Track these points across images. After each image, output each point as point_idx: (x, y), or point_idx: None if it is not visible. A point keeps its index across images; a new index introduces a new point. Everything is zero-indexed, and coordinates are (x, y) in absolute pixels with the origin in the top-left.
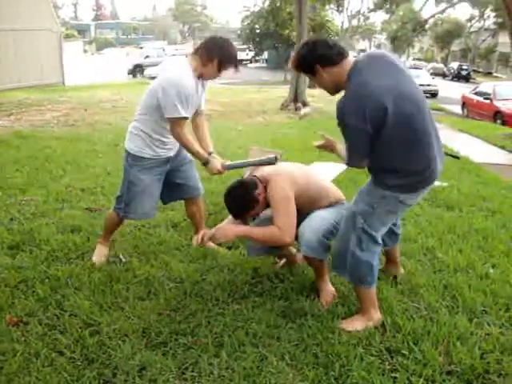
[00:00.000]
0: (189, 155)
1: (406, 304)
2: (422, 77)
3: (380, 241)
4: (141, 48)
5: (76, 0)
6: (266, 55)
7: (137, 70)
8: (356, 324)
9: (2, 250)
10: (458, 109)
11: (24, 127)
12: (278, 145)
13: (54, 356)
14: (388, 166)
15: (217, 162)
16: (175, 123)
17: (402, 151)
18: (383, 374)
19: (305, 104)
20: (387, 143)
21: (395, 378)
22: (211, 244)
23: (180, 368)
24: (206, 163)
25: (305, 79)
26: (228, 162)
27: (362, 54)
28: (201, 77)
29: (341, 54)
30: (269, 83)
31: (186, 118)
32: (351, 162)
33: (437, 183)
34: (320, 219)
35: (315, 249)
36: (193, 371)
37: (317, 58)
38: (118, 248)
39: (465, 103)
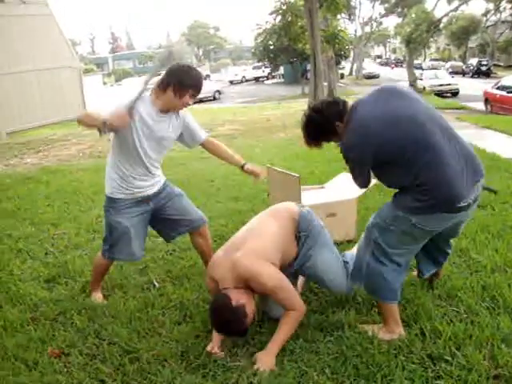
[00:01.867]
0: (176, 189)
1: (444, 308)
2: (440, 77)
3: (401, 262)
4: (158, 75)
5: (93, 35)
6: (281, 70)
7: None
8: (379, 334)
9: (39, 284)
10: (480, 105)
11: (52, 163)
12: (302, 158)
13: None
14: (397, 186)
15: (119, 113)
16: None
17: (403, 173)
18: (427, 382)
19: None
20: (390, 166)
21: None
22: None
23: None
24: (103, 124)
25: (323, 90)
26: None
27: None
28: (166, 110)
29: (344, 102)
30: (287, 98)
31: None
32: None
33: None
34: (329, 263)
35: (359, 276)
36: None
37: (334, 118)
38: (151, 274)
39: (487, 99)
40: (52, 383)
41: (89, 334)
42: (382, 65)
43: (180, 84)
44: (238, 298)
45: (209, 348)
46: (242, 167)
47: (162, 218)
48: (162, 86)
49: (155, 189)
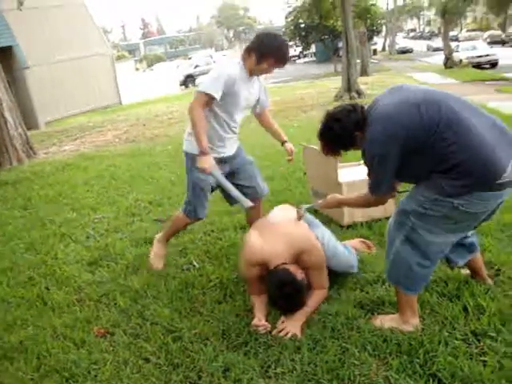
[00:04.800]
0: (248, 157)
1: (487, 284)
2: (478, 48)
3: (433, 256)
4: (189, 59)
5: (123, 22)
6: (313, 49)
7: (188, 80)
8: (390, 323)
9: (82, 267)
10: None
11: (89, 149)
12: None
13: (141, 363)
14: (421, 177)
15: (211, 159)
16: (197, 97)
17: (431, 160)
18: (471, 358)
19: (359, 93)
20: (417, 155)
21: (484, 361)
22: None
23: (263, 367)
24: (201, 153)
25: (355, 67)
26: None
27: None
28: (252, 73)
29: (362, 107)
30: (320, 76)
31: (209, 96)
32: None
33: None
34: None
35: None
36: (276, 369)
37: (354, 127)
38: (190, 254)
39: None
40: (99, 361)
41: (132, 314)
42: (415, 39)
43: (260, 51)
44: (299, 272)
45: (255, 321)
46: (283, 143)
47: (231, 182)
48: (247, 50)
49: (232, 152)
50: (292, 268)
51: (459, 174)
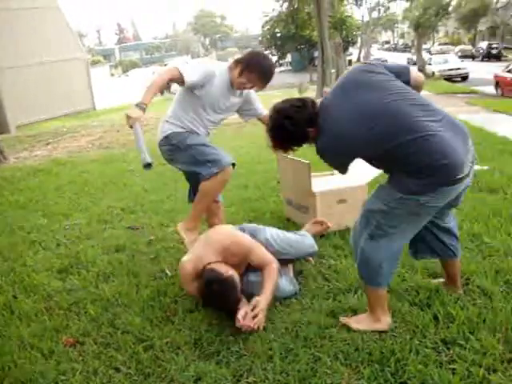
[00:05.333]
0: None
1: (457, 293)
2: (450, 61)
3: (399, 247)
4: (165, 65)
5: (99, 27)
6: (289, 58)
7: None
8: (362, 324)
9: (52, 275)
10: (491, 89)
11: (61, 154)
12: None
13: (111, 373)
14: (395, 169)
15: (141, 114)
16: (170, 68)
17: (392, 165)
18: (441, 366)
19: None
20: (377, 161)
21: (454, 369)
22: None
23: (235, 376)
24: (138, 105)
25: (331, 77)
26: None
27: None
28: (232, 84)
29: (313, 102)
30: (295, 85)
31: (180, 76)
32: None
33: (476, 167)
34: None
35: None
36: (248, 378)
37: (306, 123)
38: (162, 262)
39: (498, 82)
40: (68, 371)
41: (102, 323)
42: (389, 50)
43: (246, 64)
44: (225, 269)
45: (241, 314)
46: None
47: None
48: (235, 62)
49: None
50: (216, 265)
51: (423, 174)
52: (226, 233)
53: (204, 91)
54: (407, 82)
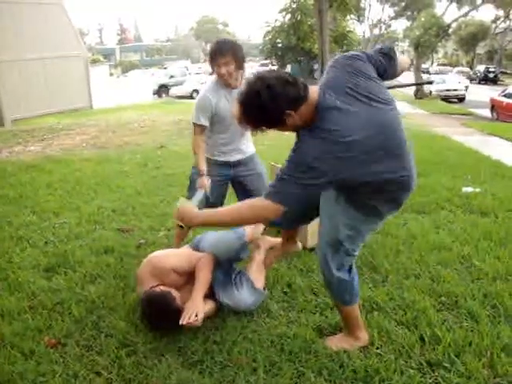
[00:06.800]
0: (259, 168)
1: (444, 315)
2: (448, 82)
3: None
4: (165, 68)
5: (101, 26)
6: (288, 69)
7: (162, 89)
8: (344, 344)
9: (39, 273)
10: (486, 112)
11: (55, 151)
12: None
13: (92, 377)
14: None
15: (207, 181)
16: (193, 128)
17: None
18: None
19: None
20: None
21: None
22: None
23: None
24: (200, 174)
25: None
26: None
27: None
28: (226, 85)
29: (306, 86)
30: None
31: (199, 125)
32: None
33: (469, 189)
34: (213, 235)
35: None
36: None
37: (287, 104)
38: None
39: (494, 106)
40: (48, 373)
41: (86, 325)
42: None
43: (209, 57)
44: (159, 288)
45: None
46: None
47: (241, 188)
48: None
49: (235, 158)
50: (157, 288)
51: (392, 195)
52: (147, 261)
53: (215, 116)
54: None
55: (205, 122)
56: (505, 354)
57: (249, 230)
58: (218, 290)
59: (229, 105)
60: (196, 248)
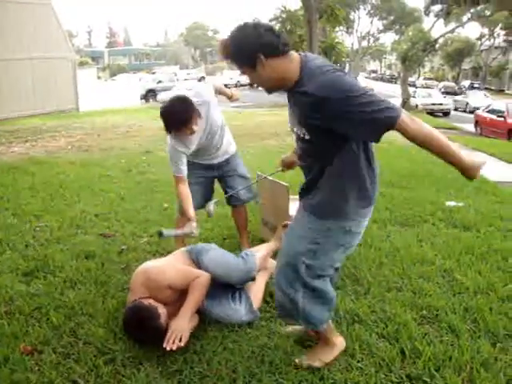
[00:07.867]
0: (236, 169)
1: (425, 328)
2: (433, 96)
3: (329, 274)
4: (153, 73)
5: (90, 28)
6: None
7: (149, 94)
8: (323, 357)
9: (17, 277)
10: (471, 127)
11: (39, 153)
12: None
13: None
14: (334, 186)
15: (194, 225)
16: (175, 180)
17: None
18: None
19: None
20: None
21: None
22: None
23: None
24: (188, 218)
25: None
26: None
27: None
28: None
29: (287, 45)
30: (279, 105)
31: (182, 176)
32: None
33: (452, 203)
34: (216, 256)
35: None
36: None
37: (261, 46)
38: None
39: (478, 121)
40: (22, 381)
41: (64, 331)
42: (376, 80)
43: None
44: (148, 301)
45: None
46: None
47: (224, 186)
48: None
49: (218, 160)
50: (142, 300)
51: (364, 195)
52: (142, 270)
53: (190, 153)
54: None
55: (185, 170)
56: (484, 369)
57: (259, 263)
58: (210, 301)
59: (196, 139)
60: (195, 259)
